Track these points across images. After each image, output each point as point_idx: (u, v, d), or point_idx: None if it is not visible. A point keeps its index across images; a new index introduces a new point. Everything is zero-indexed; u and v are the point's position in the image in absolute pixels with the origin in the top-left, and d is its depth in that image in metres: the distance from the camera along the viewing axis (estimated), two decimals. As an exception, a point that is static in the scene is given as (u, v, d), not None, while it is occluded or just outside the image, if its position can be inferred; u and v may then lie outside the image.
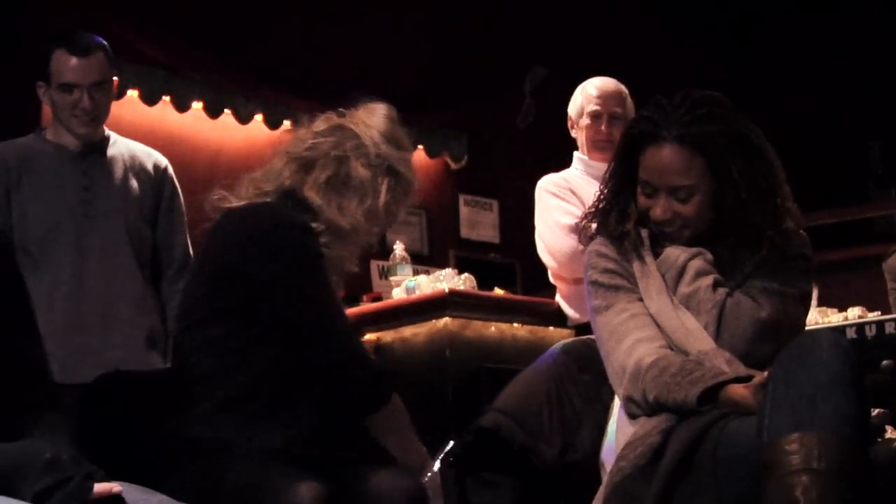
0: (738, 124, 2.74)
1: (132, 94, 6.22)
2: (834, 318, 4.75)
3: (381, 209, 2.83)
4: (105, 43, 3.86)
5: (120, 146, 3.94)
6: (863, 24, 7.91)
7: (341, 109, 2.93)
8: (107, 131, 3.93)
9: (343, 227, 2.76)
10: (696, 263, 2.74)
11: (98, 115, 3.83)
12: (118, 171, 3.88)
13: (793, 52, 8.20)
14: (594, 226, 2.89)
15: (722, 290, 2.71)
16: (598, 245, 2.85)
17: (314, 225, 2.72)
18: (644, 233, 2.82)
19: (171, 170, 4.00)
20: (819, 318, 4.67)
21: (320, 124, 2.88)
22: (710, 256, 2.75)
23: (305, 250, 2.67)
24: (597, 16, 8.06)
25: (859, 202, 7.32)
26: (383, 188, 2.83)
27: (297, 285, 2.63)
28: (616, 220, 2.83)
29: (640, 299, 2.76)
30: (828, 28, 8.04)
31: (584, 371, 2.83)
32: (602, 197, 2.89)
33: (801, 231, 2.83)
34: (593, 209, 2.91)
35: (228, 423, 2.52)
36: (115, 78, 3.92)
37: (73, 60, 3.76)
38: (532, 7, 7.68)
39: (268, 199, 2.76)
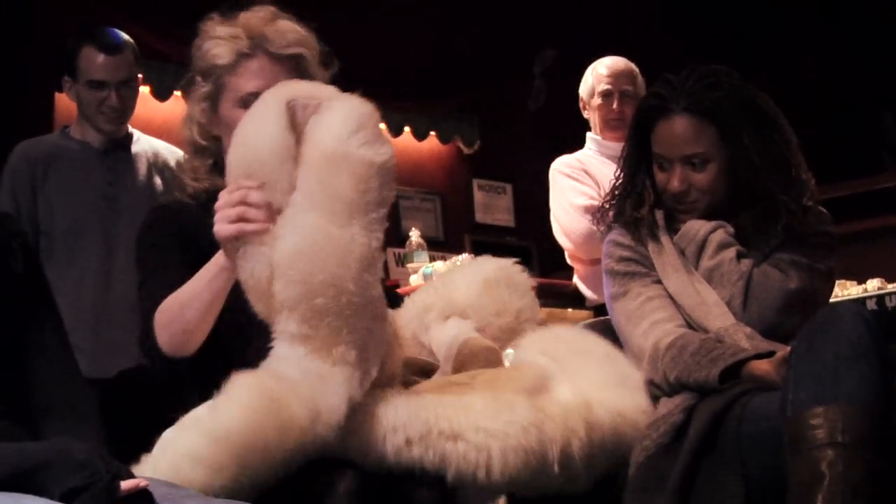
0: (747, 92, 2.76)
1: (144, 89, 6.22)
2: (853, 290, 4.73)
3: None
4: (132, 41, 3.88)
5: (143, 143, 3.97)
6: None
7: None
8: (130, 128, 3.96)
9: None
10: (718, 236, 2.75)
11: (124, 112, 3.87)
12: (142, 168, 3.91)
13: (804, 24, 8.17)
14: (611, 213, 2.90)
15: (746, 262, 2.72)
16: (615, 234, 2.87)
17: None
18: (659, 214, 2.83)
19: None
20: (838, 290, 4.65)
21: None
22: (730, 229, 2.76)
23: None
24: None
25: (874, 173, 7.29)
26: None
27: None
28: (632, 206, 2.84)
29: (657, 282, 2.77)
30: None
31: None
32: (618, 182, 2.91)
33: (822, 209, 2.84)
34: (610, 196, 2.92)
35: None
36: (139, 76, 3.94)
37: (102, 58, 3.79)
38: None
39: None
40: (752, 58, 7.37)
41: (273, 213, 2.16)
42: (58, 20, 5.47)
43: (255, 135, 2.21)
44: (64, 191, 3.80)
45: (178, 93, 6.42)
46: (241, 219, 2.16)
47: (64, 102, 4.12)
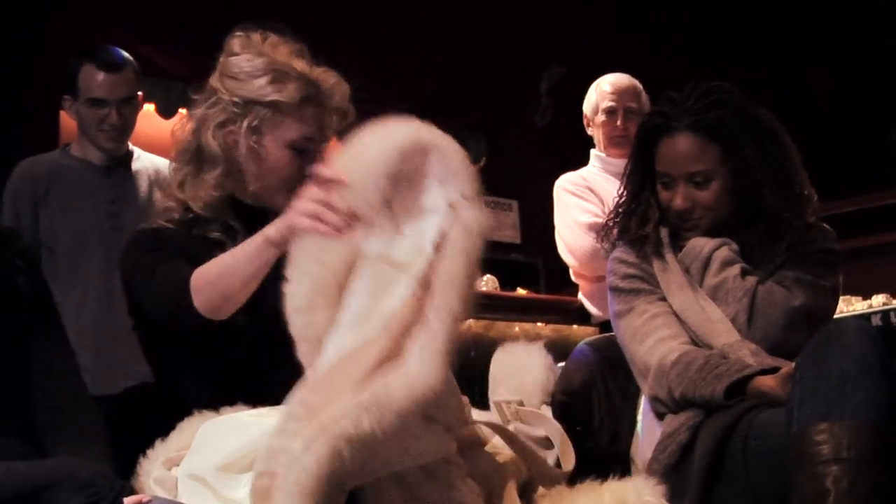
0: (749, 109, 2.77)
1: (148, 107, 6.23)
2: (858, 305, 4.73)
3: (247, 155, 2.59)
4: (132, 59, 3.90)
5: (144, 160, 3.97)
6: (881, 8, 7.88)
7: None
8: (131, 146, 3.97)
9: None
10: (722, 253, 2.75)
11: (125, 130, 3.88)
12: (143, 185, 3.91)
13: (809, 40, 8.18)
14: (616, 231, 2.91)
15: (751, 279, 2.72)
16: (619, 252, 2.88)
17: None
18: (664, 232, 2.83)
19: (196, 183, 4.03)
20: (843, 306, 4.65)
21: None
22: (735, 246, 2.77)
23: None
24: (611, 13, 8.05)
25: (880, 189, 7.29)
26: (242, 132, 2.58)
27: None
28: (636, 224, 2.85)
29: (662, 299, 2.77)
30: (843, 14, 8.01)
31: (615, 366, 2.84)
32: (622, 200, 2.91)
33: (826, 225, 2.84)
34: (614, 213, 2.93)
35: None
36: (139, 93, 3.95)
37: (102, 76, 3.80)
38: (546, 6, 7.67)
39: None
40: (757, 74, 7.37)
41: (352, 220, 2.17)
42: (63, 38, 5.49)
43: (370, 144, 2.21)
44: (65, 209, 3.81)
45: (183, 110, 6.45)
46: (319, 218, 2.18)
47: (69, 121, 4.12)
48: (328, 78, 2.63)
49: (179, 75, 6.33)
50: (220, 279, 2.33)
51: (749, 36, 8.27)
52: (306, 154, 2.57)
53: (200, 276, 2.36)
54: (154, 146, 4.25)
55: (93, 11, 5.78)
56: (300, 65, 2.61)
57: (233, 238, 2.51)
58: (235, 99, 2.57)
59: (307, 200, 2.20)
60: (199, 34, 6.30)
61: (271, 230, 2.28)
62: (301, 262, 2.16)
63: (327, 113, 2.62)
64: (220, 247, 2.48)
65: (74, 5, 5.72)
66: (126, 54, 3.91)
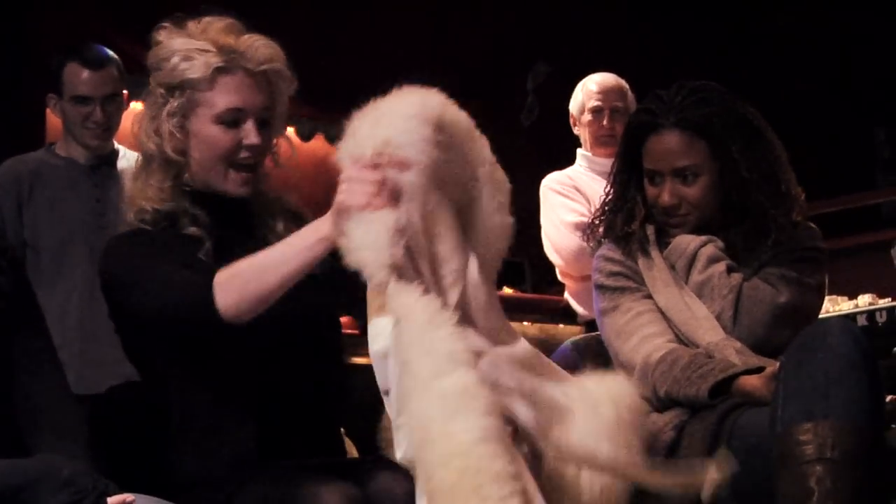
0: (736, 106, 2.78)
1: (136, 105, 6.20)
2: (844, 305, 4.74)
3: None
4: (116, 56, 3.89)
5: (130, 159, 3.95)
6: (865, 8, 7.89)
7: None
8: (116, 144, 3.95)
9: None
10: (708, 250, 2.75)
11: (110, 127, 3.87)
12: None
13: (794, 39, 8.19)
14: (602, 229, 2.91)
15: (737, 276, 2.73)
16: (605, 249, 2.88)
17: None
18: (650, 229, 2.83)
19: (182, 182, 4.01)
20: (829, 305, 4.66)
21: None
22: (720, 243, 2.77)
23: None
24: (597, 12, 8.05)
25: (866, 188, 7.30)
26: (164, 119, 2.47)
27: None
28: (623, 222, 2.85)
29: (648, 297, 2.77)
30: (829, 14, 8.02)
31: (597, 366, 2.84)
32: (608, 198, 2.91)
33: (812, 224, 2.85)
34: (600, 211, 2.93)
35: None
36: (125, 91, 3.93)
37: (86, 73, 3.79)
38: (532, 4, 7.67)
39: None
40: (743, 73, 7.38)
41: (396, 189, 2.04)
42: (47, 37, 5.47)
43: (402, 118, 2.10)
44: (49, 207, 3.79)
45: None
46: (375, 195, 2.03)
47: (55, 120, 4.11)
48: (251, 42, 2.49)
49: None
50: (258, 278, 2.21)
51: (735, 36, 8.28)
52: (239, 124, 2.45)
53: (233, 277, 2.23)
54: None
55: (77, 9, 5.76)
56: (226, 39, 2.47)
57: (207, 231, 2.43)
58: (160, 90, 2.49)
59: (361, 179, 2.04)
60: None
61: (324, 225, 2.13)
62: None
63: (257, 79, 2.47)
64: (200, 243, 2.41)
65: (58, 3, 5.70)
66: (110, 52, 3.90)
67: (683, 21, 8.23)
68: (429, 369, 1.87)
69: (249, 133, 2.45)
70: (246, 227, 2.52)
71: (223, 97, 2.45)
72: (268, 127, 2.51)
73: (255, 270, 2.22)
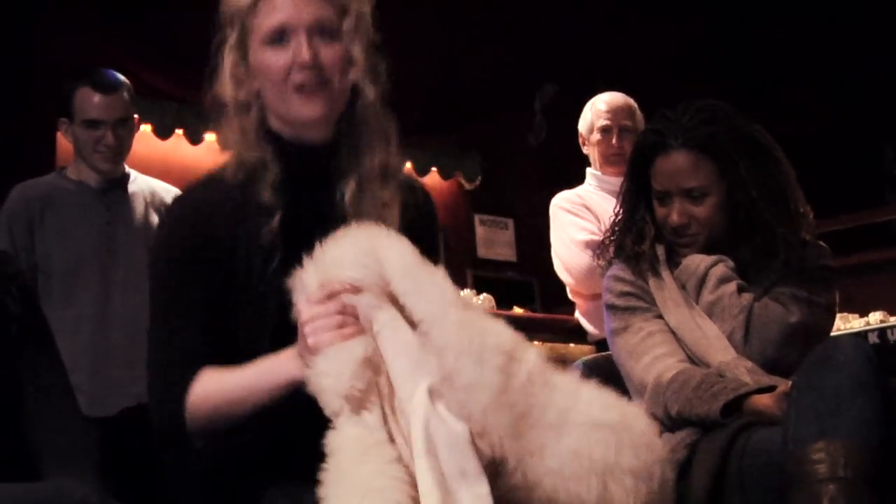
0: (743, 125, 2.79)
1: (145, 128, 6.24)
2: (855, 322, 4.73)
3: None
4: (126, 80, 3.91)
5: (140, 183, 3.98)
6: (872, 25, 7.89)
7: None
8: (127, 168, 3.97)
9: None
10: (718, 270, 2.76)
11: (121, 151, 3.89)
12: (139, 207, 3.91)
13: (801, 59, 8.19)
14: (612, 249, 2.91)
15: (747, 295, 2.73)
16: (615, 269, 2.88)
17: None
18: (660, 249, 2.84)
19: (191, 204, 4.02)
20: (840, 323, 4.66)
21: None
22: (731, 263, 2.77)
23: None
24: (604, 32, 8.06)
25: (875, 206, 7.30)
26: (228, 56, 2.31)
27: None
28: (633, 242, 2.85)
29: (658, 316, 2.78)
30: (836, 32, 8.02)
31: (609, 386, 2.83)
32: (618, 218, 2.92)
33: (821, 243, 2.85)
34: (610, 231, 2.93)
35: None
36: (135, 115, 3.95)
37: (98, 97, 3.81)
38: (540, 24, 7.68)
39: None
40: (751, 90, 7.38)
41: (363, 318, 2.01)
42: (58, 60, 5.48)
43: (339, 252, 2.07)
44: (61, 231, 3.81)
45: (179, 131, 6.45)
46: (342, 325, 1.99)
47: (65, 144, 4.12)
48: None
49: (176, 96, 6.33)
50: (229, 408, 2.16)
51: (742, 53, 8.28)
52: (288, 42, 2.25)
53: (206, 401, 2.17)
54: (150, 167, 4.26)
55: (87, 33, 5.78)
56: None
57: (282, 197, 2.27)
58: (226, 29, 2.32)
59: (321, 317, 2.01)
60: (192, 53, 6.31)
61: (293, 366, 2.08)
62: None
63: None
64: (270, 216, 2.26)
65: (69, 27, 5.72)
66: (121, 76, 3.93)
67: (690, 39, 8.24)
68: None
69: (300, 49, 2.24)
70: (325, 181, 2.33)
71: (266, 18, 2.26)
72: (332, 41, 2.30)
73: (224, 399, 2.16)
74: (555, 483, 1.96)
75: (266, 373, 2.14)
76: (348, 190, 2.31)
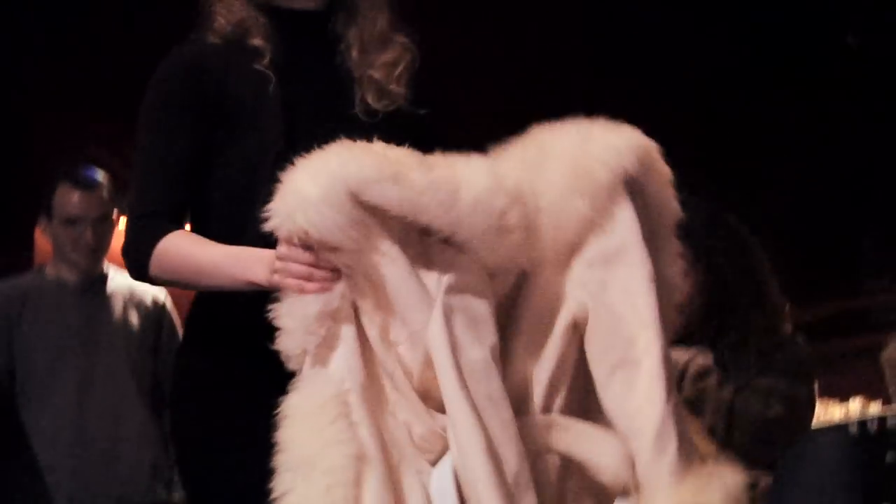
0: (717, 212, 2.79)
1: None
2: (835, 411, 4.73)
3: None
4: (107, 177, 3.90)
5: (119, 281, 3.95)
6: (849, 109, 7.96)
7: None
8: (106, 266, 3.95)
9: None
10: (697, 363, 2.75)
11: (100, 249, 3.87)
12: (118, 306, 3.89)
13: (779, 144, 8.25)
14: None
15: (728, 389, 2.72)
16: None
17: None
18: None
19: (169, 303, 4.02)
20: (820, 411, 4.65)
21: None
22: (709, 355, 2.77)
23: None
24: (592, 87, 8.10)
25: (854, 293, 7.32)
26: None
27: None
28: None
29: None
30: (813, 114, 8.08)
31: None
32: None
33: (799, 335, 2.86)
34: None
35: None
36: (116, 212, 3.95)
37: (77, 194, 3.80)
38: (538, 72, 7.71)
39: None
40: (729, 176, 7.43)
41: (335, 276, 1.95)
42: (40, 155, 5.49)
43: (311, 205, 1.94)
44: (39, 332, 3.78)
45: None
46: (307, 278, 1.95)
47: (44, 242, 4.11)
48: None
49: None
50: (187, 274, 2.14)
51: (720, 140, 8.34)
52: None
53: (166, 255, 2.15)
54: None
55: (69, 125, 5.80)
56: None
57: (275, 44, 2.24)
58: None
59: (291, 260, 1.97)
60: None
61: (260, 271, 2.04)
62: None
63: None
64: (260, 56, 2.22)
65: (52, 119, 5.75)
66: (101, 173, 3.92)
67: (670, 125, 8.29)
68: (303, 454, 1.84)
69: None
70: (324, 45, 2.31)
71: None
72: None
73: (185, 266, 2.14)
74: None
75: (233, 261, 2.10)
76: (351, 53, 2.28)
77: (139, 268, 2.16)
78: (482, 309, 1.93)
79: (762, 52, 7.69)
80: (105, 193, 3.87)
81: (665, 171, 2.08)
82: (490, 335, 1.91)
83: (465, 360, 1.87)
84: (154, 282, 2.19)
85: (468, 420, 1.82)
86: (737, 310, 2.76)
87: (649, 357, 1.89)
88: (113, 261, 4.04)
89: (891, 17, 7.27)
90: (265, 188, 1.97)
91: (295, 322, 1.92)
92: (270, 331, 1.96)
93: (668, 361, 1.91)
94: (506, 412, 1.85)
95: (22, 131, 5.67)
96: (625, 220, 1.99)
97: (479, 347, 1.88)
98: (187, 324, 2.34)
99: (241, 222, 2.16)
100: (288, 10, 2.28)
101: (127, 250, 2.19)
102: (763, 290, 2.79)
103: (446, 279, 1.91)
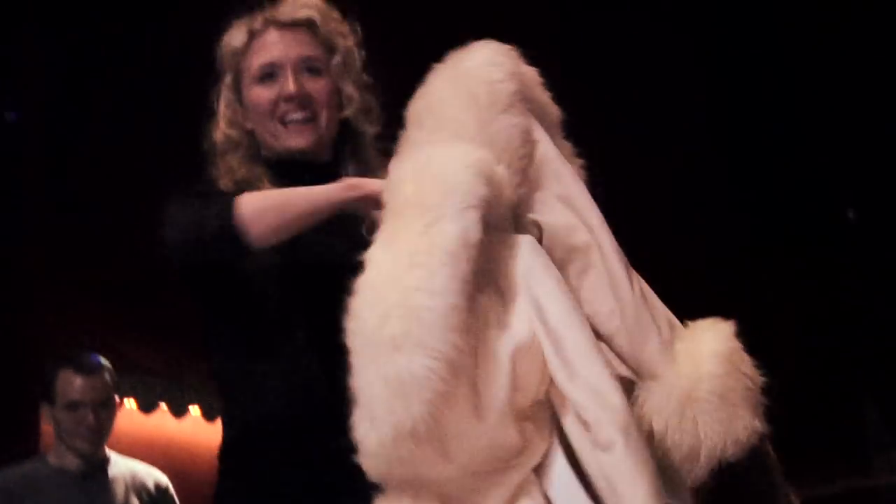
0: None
1: (129, 402, 6.24)
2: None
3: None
4: (107, 363, 3.94)
5: (121, 466, 3.95)
6: (845, 275, 7.97)
7: None
8: (107, 451, 3.95)
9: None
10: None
11: (101, 433, 3.88)
12: (120, 491, 3.89)
13: (775, 309, 8.25)
14: None
15: None
16: None
17: None
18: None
19: (171, 489, 4.02)
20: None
21: None
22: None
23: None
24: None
25: (862, 471, 7.25)
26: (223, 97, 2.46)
27: None
28: None
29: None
30: (816, 279, 8.09)
31: None
32: None
33: None
34: None
35: None
36: (117, 396, 3.97)
37: (80, 379, 3.84)
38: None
39: None
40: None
41: None
42: (41, 339, 5.53)
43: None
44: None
45: (163, 404, 6.45)
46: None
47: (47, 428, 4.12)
48: (287, 2, 2.46)
49: (160, 372, 6.35)
50: (286, 205, 2.18)
51: (709, 297, 8.33)
52: (276, 79, 2.40)
53: (258, 200, 2.20)
54: (135, 443, 4.25)
55: (72, 309, 5.85)
56: (271, 7, 2.45)
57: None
58: (223, 72, 2.49)
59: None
60: (176, 328, 6.35)
61: (348, 192, 2.16)
62: None
63: (292, 31, 2.42)
64: None
65: (55, 302, 5.79)
66: (102, 359, 3.96)
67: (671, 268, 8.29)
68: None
69: (285, 83, 2.39)
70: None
71: (256, 57, 2.42)
72: (319, 76, 2.43)
73: (284, 198, 2.20)
74: None
75: (323, 187, 2.19)
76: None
77: (225, 228, 2.16)
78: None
79: (764, 227, 7.77)
80: (107, 377, 3.90)
81: (533, 71, 2.16)
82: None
83: None
84: (251, 235, 2.16)
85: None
86: None
87: (603, 255, 2.05)
88: (117, 440, 4.05)
89: (890, 192, 7.35)
90: None
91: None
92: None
93: (620, 252, 2.07)
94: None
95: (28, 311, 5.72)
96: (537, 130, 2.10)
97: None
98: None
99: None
100: (290, 161, 2.41)
101: (196, 217, 2.21)
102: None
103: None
